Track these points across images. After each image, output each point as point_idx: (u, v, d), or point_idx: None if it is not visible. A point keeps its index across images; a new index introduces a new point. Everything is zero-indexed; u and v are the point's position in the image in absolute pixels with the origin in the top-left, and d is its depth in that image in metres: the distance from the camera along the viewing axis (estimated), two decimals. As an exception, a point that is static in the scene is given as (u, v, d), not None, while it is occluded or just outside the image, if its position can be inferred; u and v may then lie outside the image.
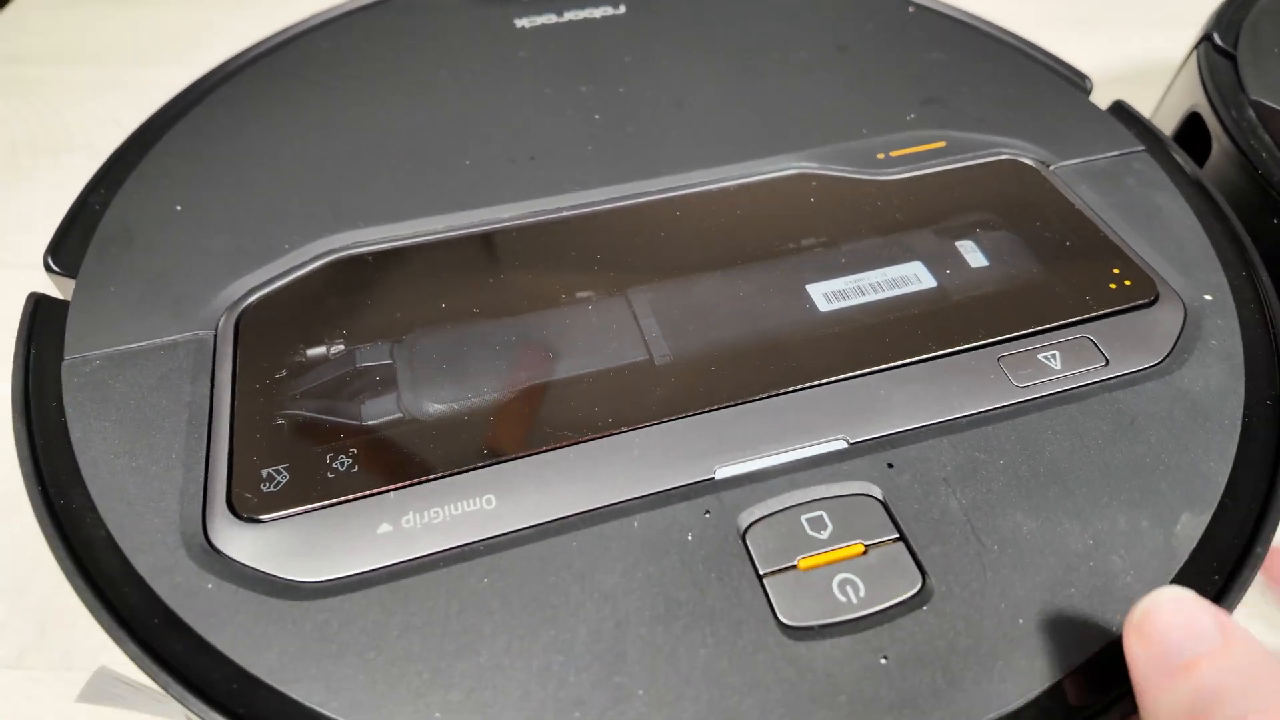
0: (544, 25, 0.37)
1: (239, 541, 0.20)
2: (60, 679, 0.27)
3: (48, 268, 0.27)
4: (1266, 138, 0.32)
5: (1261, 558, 0.20)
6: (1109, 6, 0.58)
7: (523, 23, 0.37)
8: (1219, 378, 0.23)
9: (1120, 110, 0.33)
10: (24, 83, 0.52)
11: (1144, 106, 0.42)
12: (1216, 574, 0.20)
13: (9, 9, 0.59)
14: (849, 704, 0.17)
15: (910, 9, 0.38)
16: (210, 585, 0.19)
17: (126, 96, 0.51)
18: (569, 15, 0.37)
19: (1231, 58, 0.35)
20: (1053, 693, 0.18)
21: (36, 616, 0.28)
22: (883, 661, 0.18)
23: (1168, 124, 0.38)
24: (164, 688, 0.18)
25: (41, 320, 0.25)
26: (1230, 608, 0.19)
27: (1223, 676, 0.15)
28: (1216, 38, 0.36)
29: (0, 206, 0.43)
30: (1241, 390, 0.23)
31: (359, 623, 0.19)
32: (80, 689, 0.26)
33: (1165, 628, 0.16)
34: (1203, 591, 0.19)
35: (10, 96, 0.51)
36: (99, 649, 0.28)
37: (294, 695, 0.18)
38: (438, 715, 0.17)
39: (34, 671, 0.27)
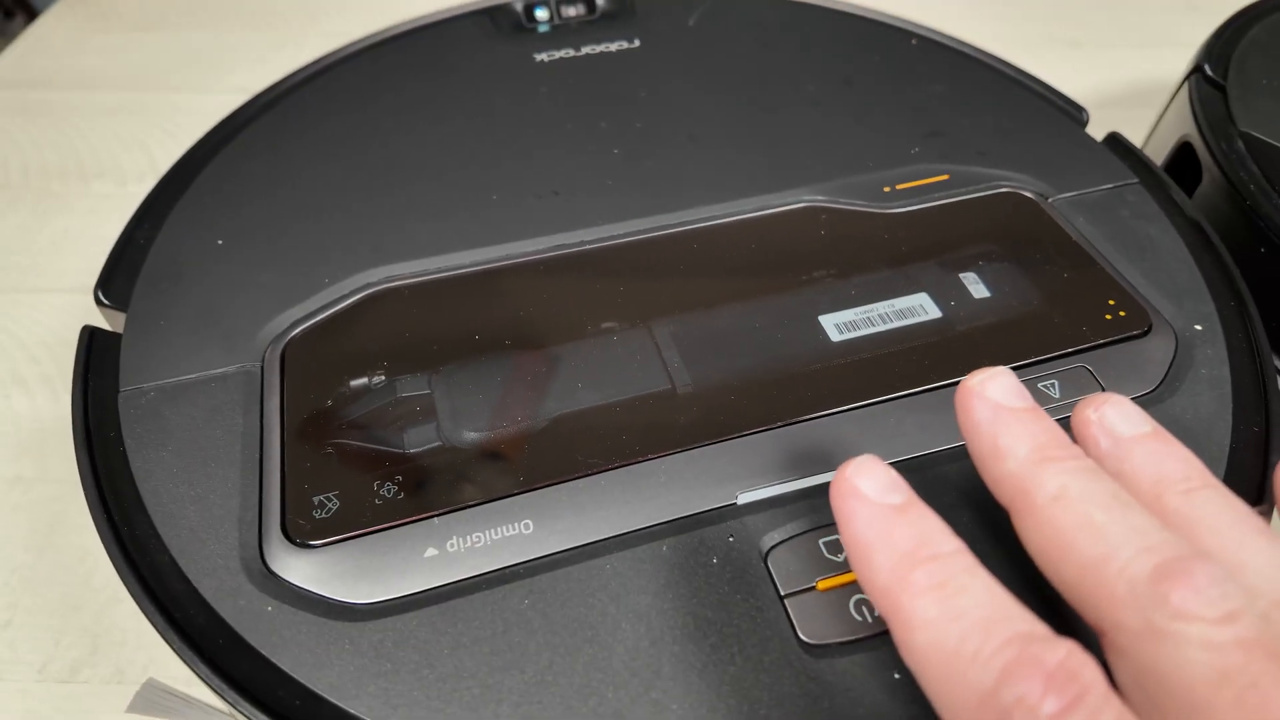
0: (562, 60, 0.38)
1: (295, 566, 0.21)
2: (113, 693, 0.28)
3: (99, 301, 0.29)
4: (1255, 169, 0.33)
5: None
6: (1103, 28, 0.60)
7: (542, 57, 0.39)
8: (1208, 405, 0.25)
9: (1115, 142, 0.34)
10: (49, 107, 0.53)
11: (1138, 127, 0.43)
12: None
13: (31, 34, 0.60)
14: (866, 718, 0.19)
15: (913, 41, 0.40)
16: (270, 608, 0.21)
17: (151, 121, 0.52)
18: (586, 50, 0.39)
19: (1221, 89, 0.37)
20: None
21: (89, 634, 0.29)
22: (896, 678, 0.19)
23: (1160, 152, 0.39)
24: (233, 705, 0.19)
25: (96, 353, 0.27)
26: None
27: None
28: (1207, 69, 0.38)
29: (33, 232, 0.45)
30: (1230, 417, 0.25)
31: (412, 641, 0.20)
32: (129, 701, 0.28)
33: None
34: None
35: (38, 121, 0.52)
36: (149, 664, 0.29)
37: (355, 711, 0.19)
38: (488, 729, 0.19)
39: (88, 685, 0.28)
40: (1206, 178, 0.35)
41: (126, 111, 0.53)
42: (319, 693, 0.19)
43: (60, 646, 0.29)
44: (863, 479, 0.18)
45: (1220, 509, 0.18)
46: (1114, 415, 0.20)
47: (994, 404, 0.19)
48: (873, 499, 0.18)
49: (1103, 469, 0.19)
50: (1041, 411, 0.19)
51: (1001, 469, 0.19)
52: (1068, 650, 0.15)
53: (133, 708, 0.28)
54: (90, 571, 0.31)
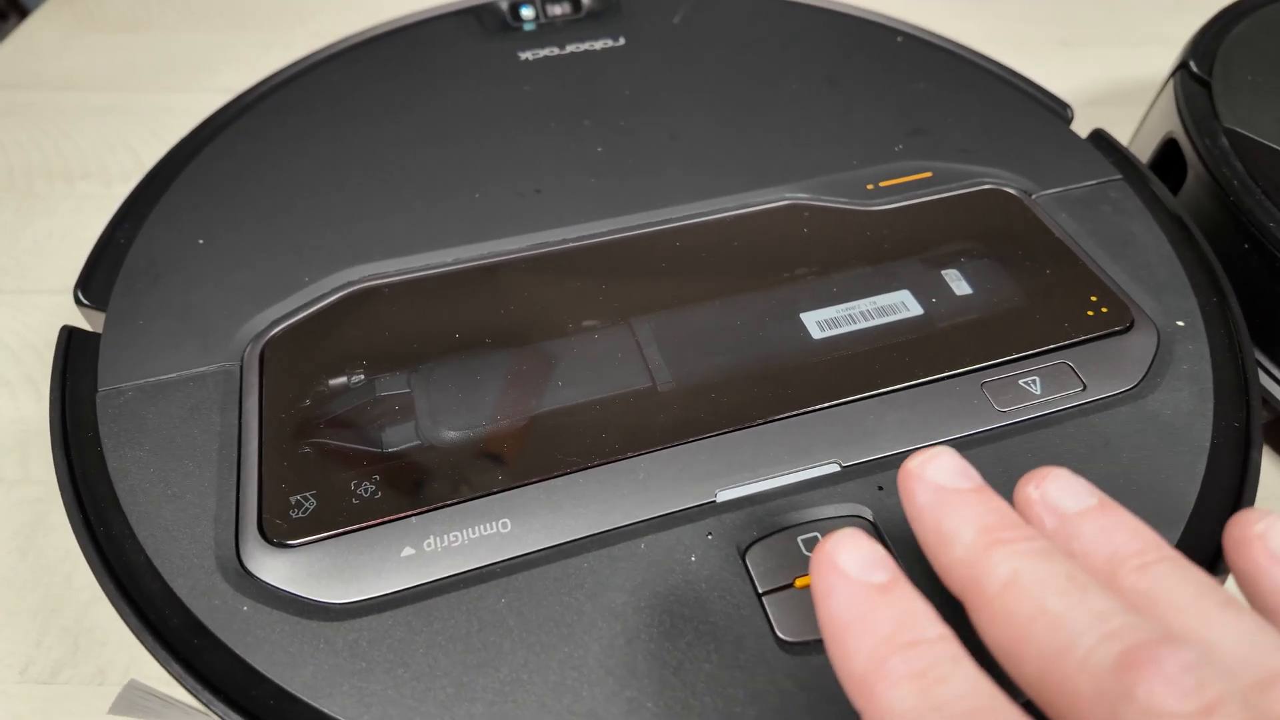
0: (547, 58, 0.38)
1: (271, 566, 0.21)
2: (94, 694, 0.28)
3: (78, 301, 0.29)
4: (1239, 165, 0.33)
5: (1225, 576, 0.21)
6: (1093, 26, 0.60)
7: (526, 55, 0.39)
8: (1189, 401, 0.25)
9: (1099, 139, 0.34)
10: (35, 108, 0.53)
11: (1126, 125, 0.43)
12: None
13: (18, 35, 0.60)
14: (840, 714, 0.19)
15: (898, 39, 0.40)
16: (246, 607, 0.21)
17: (138, 122, 0.52)
18: (570, 48, 0.39)
19: (1206, 85, 0.37)
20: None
21: (71, 635, 0.29)
22: (873, 674, 0.19)
23: (1146, 148, 0.39)
24: (207, 705, 0.19)
25: (74, 353, 0.26)
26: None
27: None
28: (1192, 65, 0.38)
29: (17, 233, 0.45)
30: (1210, 414, 0.25)
31: (387, 641, 0.20)
32: (111, 702, 0.27)
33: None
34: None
35: (23, 122, 0.52)
36: (130, 665, 0.29)
37: (329, 710, 0.19)
38: (462, 727, 0.19)
39: (68, 687, 0.28)
40: (1191, 174, 0.35)
41: (113, 112, 0.53)
42: (293, 692, 0.19)
43: (41, 648, 0.29)
44: (843, 554, 0.17)
45: (1180, 582, 0.16)
46: (1056, 490, 0.18)
47: (935, 486, 0.18)
48: (853, 576, 0.16)
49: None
50: (989, 491, 0.18)
51: (949, 556, 0.17)
52: None
53: (115, 709, 0.28)
54: (71, 572, 0.31)
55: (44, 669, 0.29)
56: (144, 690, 0.28)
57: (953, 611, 0.17)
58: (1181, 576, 0.16)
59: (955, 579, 0.17)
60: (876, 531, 0.22)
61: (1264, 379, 0.32)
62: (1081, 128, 0.35)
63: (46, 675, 0.29)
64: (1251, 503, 0.23)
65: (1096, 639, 0.14)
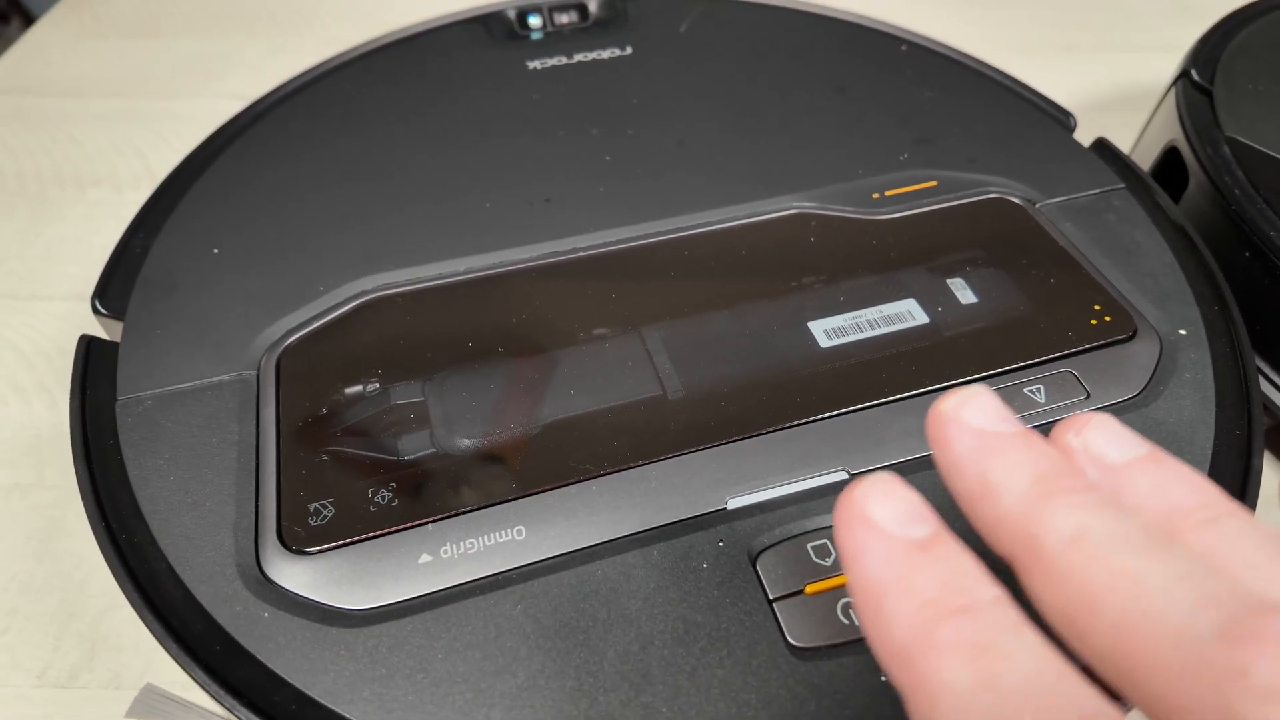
0: (555, 67, 0.39)
1: (291, 572, 0.22)
2: (111, 698, 0.29)
3: (96, 310, 0.29)
4: (1240, 174, 0.34)
5: None
6: (1097, 32, 0.60)
7: (534, 65, 0.39)
8: (1192, 409, 0.25)
9: (1102, 148, 0.35)
10: (45, 114, 0.54)
11: (1128, 131, 0.44)
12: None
13: (26, 41, 0.61)
14: (854, 719, 0.19)
15: (903, 48, 0.40)
16: (267, 614, 0.21)
17: (147, 127, 0.52)
18: (578, 57, 0.39)
19: (1208, 94, 0.37)
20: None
21: (87, 640, 0.30)
22: (884, 680, 0.20)
23: (1148, 156, 0.40)
24: (230, 710, 0.19)
25: (93, 361, 0.27)
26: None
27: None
28: (1194, 74, 0.38)
29: (29, 239, 0.45)
30: (1212, 421, 0.25)
31: (406, 647, 0.20)
32: (128, 706, 0.28)
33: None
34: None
35: (33, 128, 0.53)
36: (146, 669, 0.29)
37: (350, 715, 0.19)
38: (481, 732, 0.19)
39: (86, 691, 0.29)
40: (1193, 182, 0.35)
41: (122, 118, 0.53)
42: (314, 697, 0.20)
43: (59, 652, 0.29)
44: (876, 503, 0.14)
45: (1253, 540, 0.14)
46: (1100, 439, 0.16)
47: (976, 430, 0.15)
48: (889, 530, 0.14)
49: None
50: (1036, 435, 0.16)
51: (997, 510, 0.15)
52: None
53: (131, 713, 0.28)
54: (87, 577, 0.31)
55: (61, 673, 0.29)
56: (160, 694, 0.29)
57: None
58: (1251, 533, 0.14)
59: (1005, 535, 0.15)
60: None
61: (1265, 386, 0.32)
62: (1085, 134, 0.36)
63: (64, 679, 0.29)
64: (1253, 510, 0.23)
65: (1191, 605, 0.12)
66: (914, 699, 0.13)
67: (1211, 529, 0.14)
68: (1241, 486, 0.24)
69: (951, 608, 0.13)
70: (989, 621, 0.13)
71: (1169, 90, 0.39)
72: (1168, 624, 0.12)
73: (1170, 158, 0.38)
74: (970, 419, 0.16)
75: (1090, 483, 0.15)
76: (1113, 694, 0.13)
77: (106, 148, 0.51)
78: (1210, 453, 0.24)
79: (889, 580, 0.14)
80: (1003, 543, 0.15)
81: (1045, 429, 0.25)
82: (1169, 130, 0.38)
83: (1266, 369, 0.32)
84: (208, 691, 0.20)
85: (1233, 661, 0.11)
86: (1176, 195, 0.36)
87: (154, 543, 0.23)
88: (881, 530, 0.14)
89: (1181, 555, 0.13)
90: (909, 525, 0.14)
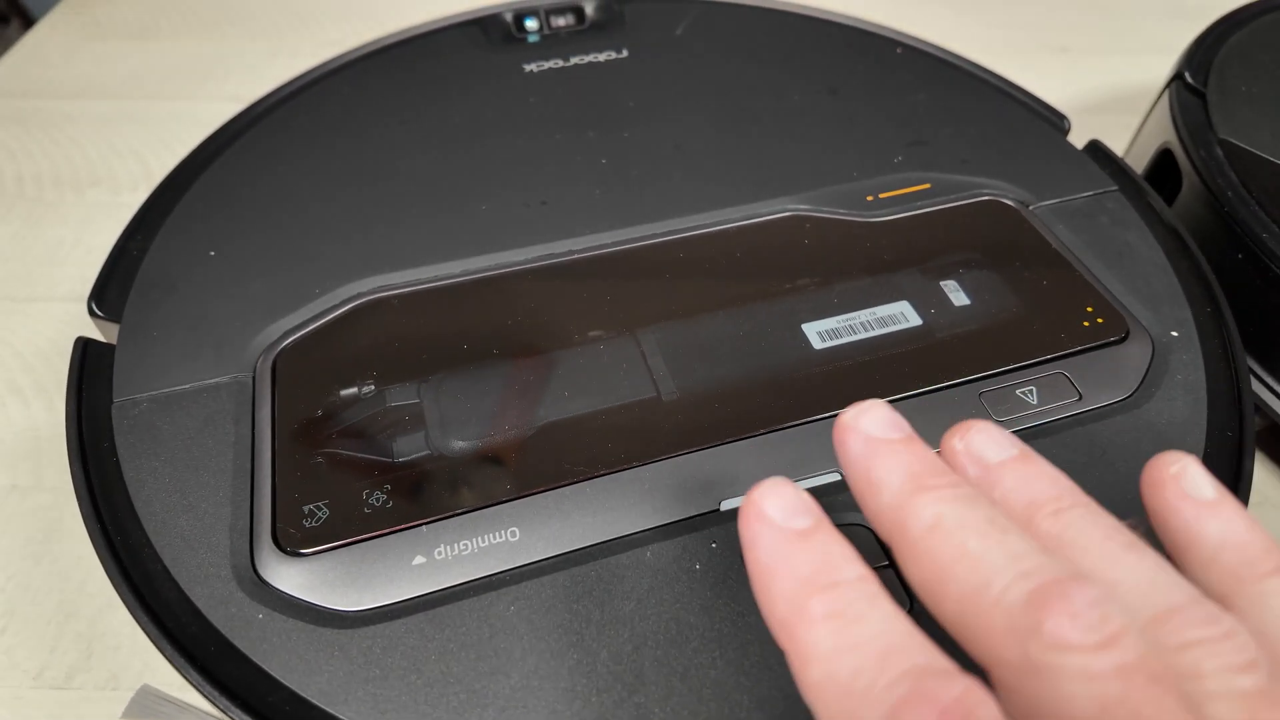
0: (551, 70, 0.39)
1: (286, 574, 0.22)
2: (108, 699, 0.29)
3: (92, 313, 0.29)
4: (1233, 176, 0.34)
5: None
6: (1092, 34, 0.60)
7: (531, 67, 0.39)
8: (1184, 411, 0.25)
9: (1096, 150, 0.35)
10: (43, 116, 0.54)
11: (1122, 133, 0.44)
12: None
13: (25, 43, 0.61)
14: None
15: (898, 50, 0.40)
16: (261, 615, 0.21)
17: (146, 129, 0.52)
18: (575, 60, 0.39)
19: (1202, 96, 0.37)
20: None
21: (84, 640, 0.30)
22: (874, 679, 0.20)
23: (1142, 158, 0.40)
24: (224, 711, 0.20)
25: (90, 364, 0.27)
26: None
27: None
28: (1188, 76, 0.38)
29: (28, 241, 0.45)
30: (1204, 422, 0.25)
31: (400, 648, 0.20)
32: (124, 707, 0.28)
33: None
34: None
35: (32, 130, 0.53)
36: (144, 670, 0.29)
37: (344, 716, 0.19)
38: (474, 733, 0.19)
39: (83, 691, 0.29)
40: (1186, 184, 0.35)
41: (121, 120, 0.53)
42: (308, 698, 0.20)
43: (55, 653, 0.30)
44: (769, 501, 0.17)
45: (1091, 526, 0.17)
46: (981, 442, 0.19)
47: (866, 437, 0.18)
48: (777, 523, 0.17)
49: None
50: (918, 440, 0.18)
51: (877, 502, 0.18)
52: (964, 687, 0.14)
53: (127, 714, 0.28)
54: (85, 578, 0.31)
55: (58, 674, 0.29)
56: (156, 695, 0.29)
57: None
58: (1092, 521, 0.17)
59: (883, 524, 0.18)
60: (876, 540, 0.22)
61: (1257, 387, 0.32)
62: (1079, 136, 0.36)
63: (60, 680, 0.29)
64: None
65: (1011, 578, 0.15)
66: (793, 661, 0.16)
67: (1060, 518, 0.17)
68: (1233, 487, 0.24)
69: (821, 584, 0.16)
70: (851, 595, 0.16)
71: (1162, 93, 0.39)
72: (993, 593, 0.15)
73: (1164, 160, 0.38)
74: (864, 426, 0.18)
75: (954, 479, 0.17)
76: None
77: (105, 150, 0.51)
78: (1202, 454, 0.24)
79: (774, 563, 0.16)
80: (882, 530, 0.18)
81: (1036, 431, 0.25)
82: (1162, 133, 0.38)
83: (1259, 370, 0.32)
84: (202, 693, 0.20)
85: (1032, 620, 0.14)
86: (1170, 198, 0.36)
87: (149, 544, 0.23)
88: (770, 522, 0.17)
89: (1017, 539, 0.16)
90: (793, 518, 0.17)
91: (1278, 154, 0.34)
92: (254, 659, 0.20)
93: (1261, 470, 0.35)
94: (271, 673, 0.20)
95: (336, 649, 0.20)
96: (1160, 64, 0.42)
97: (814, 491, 0.23)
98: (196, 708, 0.29)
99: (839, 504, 0.23)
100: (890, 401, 0.25)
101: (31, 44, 0.61)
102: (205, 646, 0.21)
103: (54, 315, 0.41)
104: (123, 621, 0.31)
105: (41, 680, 0.29)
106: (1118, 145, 0.37)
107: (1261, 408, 0.32)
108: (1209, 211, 0.34)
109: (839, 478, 0.24)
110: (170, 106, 0.54)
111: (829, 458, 0.24)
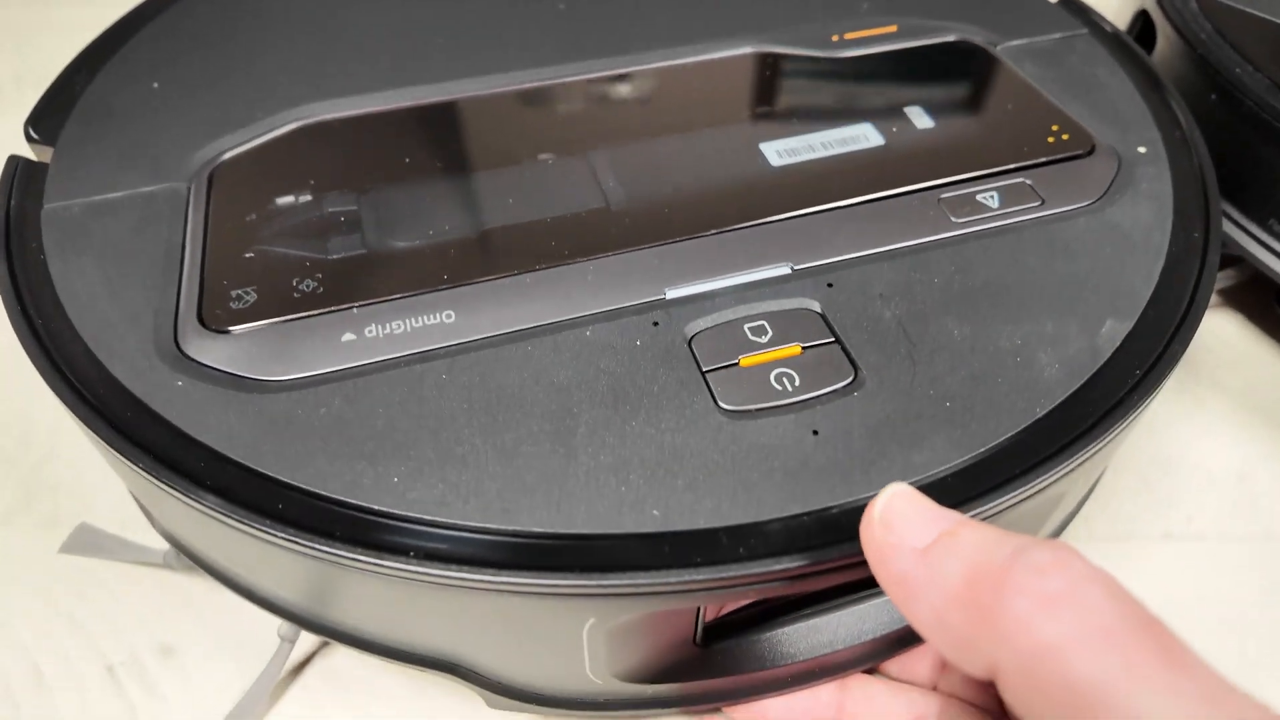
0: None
1: (210, 349, 0.21)
2: (46, 536, 0.28)
3: (28, 137, 0.28)
4: (1208, 25, 0.33)
5: (1179, 356, 0.21)
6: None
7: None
8: (1148, 214, 0.25)
9: (1068, 2, 0.34)
10: (9, 23, 0.53)
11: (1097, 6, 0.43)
12: (1138, 368, 0.21)
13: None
14: (782, 470, 0.19)
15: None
16: (181, 383, 0.20)
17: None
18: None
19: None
20: (976, 465, 0.19)
21: (24, 485, 0.29)
22: (814, 435, 0.19)
23: (1119, 23, 0.39)
24: (148, 471, 0.19)
25: (22, 179, 0.26)
26: (1149, 395, 0.20)
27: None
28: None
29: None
30: (1169, 226, 0.24)
31: (325, 409, 0.20)
32: (62, 542, 0.27)
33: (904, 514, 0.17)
34: (1123, 384, 0.21)
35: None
36: (84, 510, 0.29)
37: (263, 469, 0.19)
38: (396, 479, 0.18)
39: (21, 530, 0.28)
40: (1162, 40, 0.35)
41: (90, 27, 0.52)
42: (226, 454, 0.19)
43: (-7, 495, 0.29)
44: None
45: None
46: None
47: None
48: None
49: None
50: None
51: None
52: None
53: (66, 548, 0.27)
54: (28, 429, 0.31)
55: (-4, 512, 0.28)
56: (94, 531, 0.28)
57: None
58: None
59: None
60: (824, 320, 0.22)
61: (1231, 229, 0.31)
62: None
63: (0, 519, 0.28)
64: (1205, 302, 0.22)
65: None
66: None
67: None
68: (1196, 278, 0.23)
69: None
70: None
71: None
72: None
73: (1141, 25, 0.37)
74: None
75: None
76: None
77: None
78: (1165, 253, 0.24)
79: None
80: None
81: (998, 230, 0.24)
82: (1139, -3, 0.37)
83: (1233, 212, 0.31)
84: (115, 449, 0.19)
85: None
86: (1145, 54, 0.35)
87: (72, 328, 0.22)
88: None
89: None
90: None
91: (1252, 4, 0.33)
92: (170, 419, 0.19)
93: (1239, 327, 0.34)
94: (188, 431, 0.19)
95: (256, 409, 0.20)
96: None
97: (762, 284, 0.23)
98: (134, 543, 0.28)
99: (788, 290, 0.22)
100: (847, 206, 0.25)
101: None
102: (122, 412, 0.20)
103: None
104: (64, 466, 0.30)
105: (-23, 518, 0.28)
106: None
107: (1237, 251, 0.32)
108: (1184, 60, 0.33)
109: (789, 271, 0.23)
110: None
111: (780, 254, 0.23)
